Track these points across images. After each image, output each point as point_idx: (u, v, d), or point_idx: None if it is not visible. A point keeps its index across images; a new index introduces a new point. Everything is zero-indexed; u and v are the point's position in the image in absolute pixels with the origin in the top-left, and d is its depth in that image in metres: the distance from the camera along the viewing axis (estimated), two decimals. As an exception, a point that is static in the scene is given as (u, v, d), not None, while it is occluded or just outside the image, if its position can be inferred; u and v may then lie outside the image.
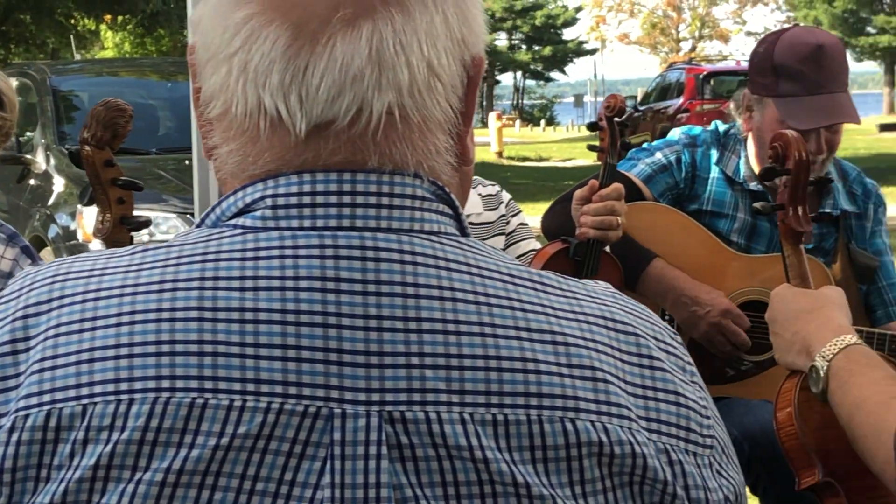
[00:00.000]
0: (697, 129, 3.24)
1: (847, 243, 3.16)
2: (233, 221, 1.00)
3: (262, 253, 0.96)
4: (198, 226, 1.03)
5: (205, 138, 1.05)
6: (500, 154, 27.27)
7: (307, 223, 0.97)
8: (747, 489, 3.04)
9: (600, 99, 43.44)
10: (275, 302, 0.94)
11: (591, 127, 2.93)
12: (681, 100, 21.54)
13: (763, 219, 3.09)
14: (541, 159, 26.54)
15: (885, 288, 3.18)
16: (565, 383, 0.97)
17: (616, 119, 2.87)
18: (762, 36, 3.20)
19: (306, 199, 0.98)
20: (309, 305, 0.94)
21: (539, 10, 57.74)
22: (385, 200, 0.98)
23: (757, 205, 2.42)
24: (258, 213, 0.99)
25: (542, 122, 52.50)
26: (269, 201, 0.98)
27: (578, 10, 59.89)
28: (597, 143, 2.89)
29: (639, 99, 24.94)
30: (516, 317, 0.98)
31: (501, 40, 59.80)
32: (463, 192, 1.12)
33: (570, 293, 1.04)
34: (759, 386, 3.01)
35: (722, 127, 3.23)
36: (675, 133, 3.24)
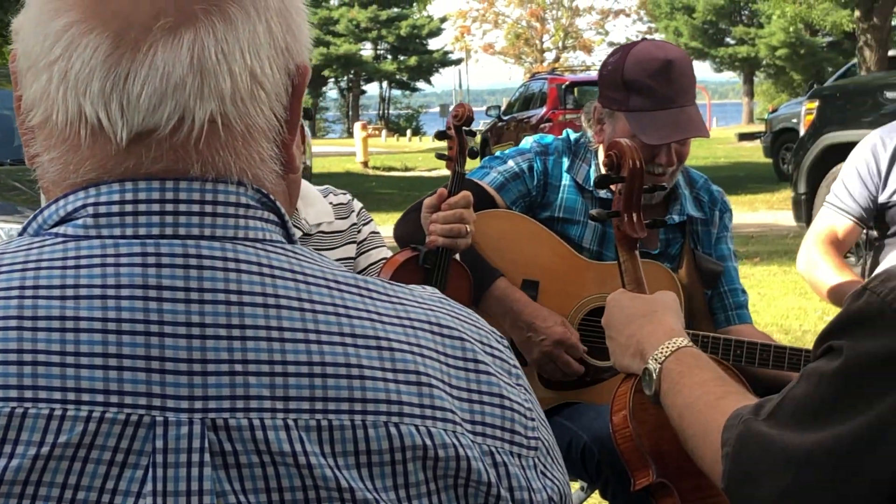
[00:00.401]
0: (549, 138, 3.28)
1: (693, 249, 3.22)
2: (55, 230, 0.99)
3: (84, 261, 0.96)
4: (20, 234, 1.03)
5: (26, 146, 1.05)
6: (365, 164, 27.26)
7: (129, 231, 0.97)
8: (597, 493, 3.08)
9: (466, 109, 43.67)
10: (96, 310, 0.94)
11: (440, 136, 2.95)
12: (544, 109, 21.72)
13: (611, 228, 3.14)
14: (406, 169, 26.59)
15: (727, 293, 3.25)
16: (390, 388, 0.98)
17: (464, 128, 2.89)
18: (612, 49, 3.25)
19: (128, 208, 0.98)
20: (131, 313, 0.94)
21: (404, 20, 57.83)
22: (208, 208, 0.99)
23: (593, 212, 2.45)
24: (80, 222, 0.98)
25: (409, 131, 52.59)
26: (90, 209, 0.98)
27: (443, 20, 60.12)
28: (445, 151, 2.91)
29: (503, 108, 25.10)
30: (341, 323, 0.99)
31: (367, 50, 59.78)
32: (290, 199, 1.12)
33: (397, 299, 1.05)
34: (612, 392, 3.05)
35: (573, 135, 3.27)
36: (528, 141, 3.27)
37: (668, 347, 1.82)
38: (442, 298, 1.11)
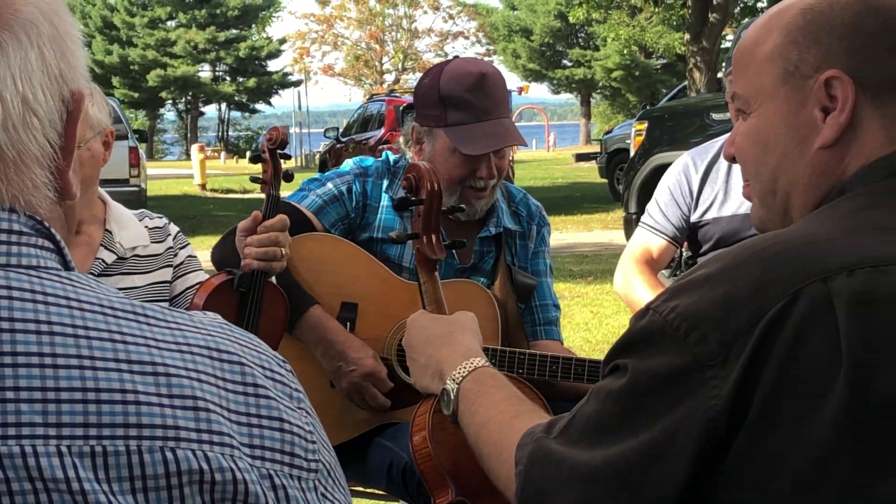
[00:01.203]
0: (369, 160, 3.29)
1: (509, 263, 3.26)
2: None
3: None
4: None
5: None
6: (203, 186, 26.96)
7: None
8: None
9: (305, 130, 43.45)
10: None
11: (254, 159, 2.94)
12: (382, 131, 21.78)
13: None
14: (245, 191, 26.36)
15: (538, 308, 3.31)
16: (166, 413, 0.98)
17: (279, 151, 2.89)
18: (425, 71, 3.29)
19: None
20: None
21: (243, 41, 57.41)
22: None
23: (392, 234, 2.47)
24: None
25: (248, 153, 52.17)
26: None
27: (282, 42, 59.86)
28: (260, 175, 2.91)
29: (341, 130, 25.08)
30: (116, 349, 0.99)
31: (205, 72, 59.19)
32: (68, 225, 1.11)
33: (175, 325, 1.06)
34: None
35: (392, 157, 3.29)
36: (347, 164, 3.28)
37: (465, 368, 1.85)
38: (223, 324, 1.11)
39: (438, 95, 3.07)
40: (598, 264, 11.89)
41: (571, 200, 22.08)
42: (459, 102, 3.05)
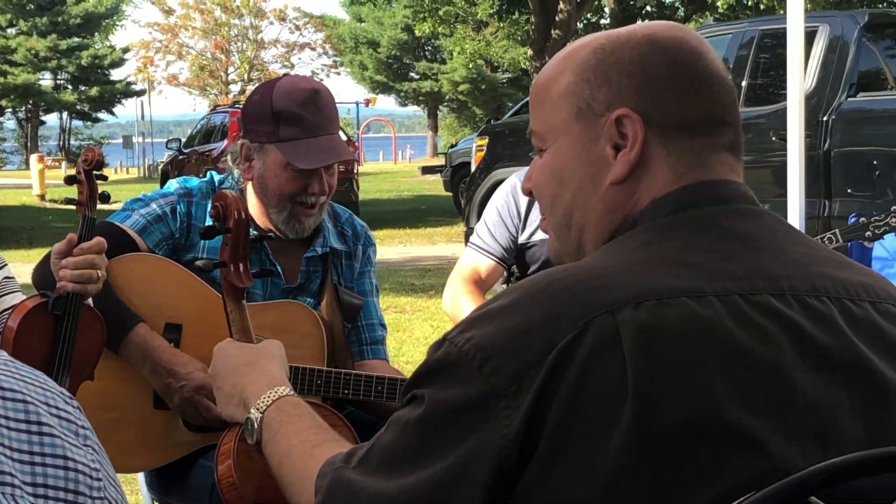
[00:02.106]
0: (194, 181, 3.26)
1: (336, 282, 3.27)
2: None
3: None
4: None
5: None
6: (42, 197, 26.43)
7: None
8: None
9: (149, 140, 42.84)
10: None
11: (69, 181, 2.90)
12: (225, 142, 21.58)
13: (255, 265, 3.16)
14: (86, 202, 25.88)
15: (365, 327, 3.32)
16: None
17: (95, 172, 2.85)
18: (255, 87, 3.28)
19: None
20: None
21: (85, 49, 56.40)
22: None
23: (199, 263, 2.46)
24: None
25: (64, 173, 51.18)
26: None
27: (126, 50, 58.99)
28: (76, 196, 2.86)
29: (184, 141, 24.76)
30: None
31: (46, 80, 58.00)
32: None
33: None
34: None
35: (217, 177, 3.27)
36: (172, 184, 3.25)
37: (269, 397, 1.85)
38: (8, 361, 1.10)
39: (271, 111, 3.06)
40: (441, 278, 11.95)
41: (416, 213, 22.20)
42: (292, 118, 3.05)
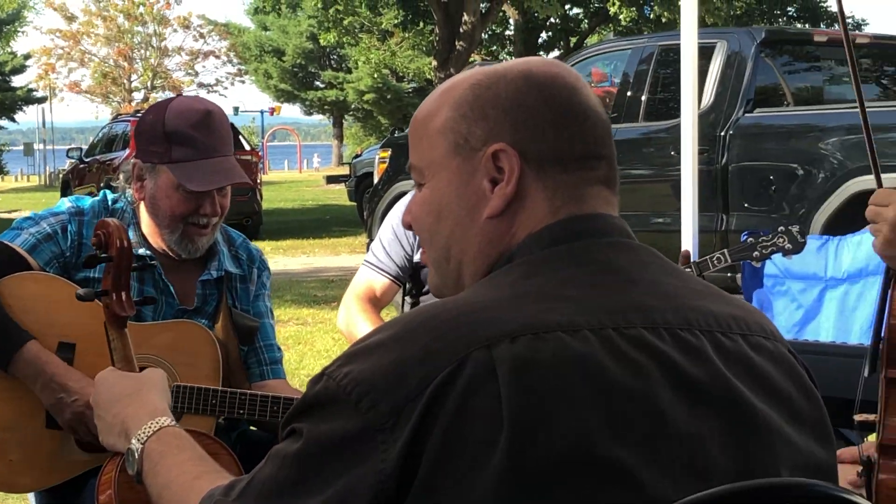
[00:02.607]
0: (86, 200, 3.24)
1: (231, 305, 3.26)
2: None
3: None
4: None
5: None
6: (-61, 207, 25.94)
7: None
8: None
9: (50, 147, 42.24)
10: None
11: None
12: (126, 151, 21.36)
13: (149, 284, 3.15)
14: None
15: (263, 348, 3.32)
16: None
17: None
18: (148, 107, 3.26)
19: None
20: None
21: (-15, 55, 55.50)
22: None
23: (80, 291, 2.45)
24: None
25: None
26: None
27: (27, 57, 58.09)
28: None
29: (85, 150, 24.44)
30: None
31: (-56, 86, 56.94)
32: None
33: None
34: None
35: (111, 196, 3.25)
36: (63, 203, 3.22)
37: (150, 427, 1.84)
38: None
39: (163, 131, 3.05)
40: (344, 290, 11.86)
41: (320, 223, 22.13)
42: (185, 139, 3.04)
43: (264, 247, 17.03)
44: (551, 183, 1.54)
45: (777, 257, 4.00)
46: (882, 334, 2.14)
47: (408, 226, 1.68)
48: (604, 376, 1.38)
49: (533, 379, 1.35)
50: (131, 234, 3.16)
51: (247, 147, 20.52)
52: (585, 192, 1.56)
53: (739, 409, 1.45)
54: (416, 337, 1.40)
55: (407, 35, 33.21)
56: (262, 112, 60.05)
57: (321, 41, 30.65)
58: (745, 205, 8.91)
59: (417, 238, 3.75)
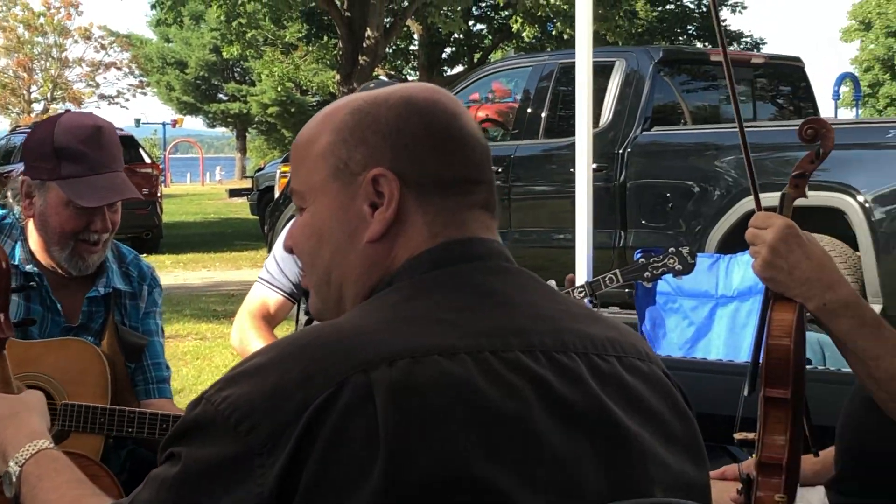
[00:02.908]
0: None
1: (119, 322, 3.23)
2: None
3: None
4: None
5: None
6: None
7: None
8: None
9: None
10: None
11: None
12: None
13: (36, 301, 3.11)
14: None
15: (150, 367, 3.30)
16: None
17: None
18: (36, 123, 3.23)
19: None
20: None
21: None
22: None
23: None
24: None
25: None
26: None
27: (-78, 66, 57.09)
28: None
29: (-19, 162, 24.04)
30: None
31: None
32: None
33: None
34: None
35: (0, 213, 3.21)
36: None
37: (28, 450, 1.82)
38: None
39: (52, 147, 3.03)
40: (244, 304, 11.84)
41: (222, 237, 21.99)
42: (75, 155, 3.02)
43: (164, 260, 16.91)
44: (431, 208, 1.55)
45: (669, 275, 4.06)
46: (761, 354, 2.19)
47: (289, 249, 1.68)
48: (480, 399, 1.40)
49: (410, 402, 1.37)
50: (19, 251, 3.12)
51: (147, 160, 20.35)
52: (465, 217, 1.57)
53: (613, 430, 1.47)
54: (295, 361, 1.41)
55: (311, 49, 33.13)
56: (164, 124, 59.46)
57: (224, 54, 30.39)
58: (643, 222, 9.02)
59: None
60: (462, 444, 1.36)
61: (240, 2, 22.31)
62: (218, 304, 12.12)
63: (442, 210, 1.56)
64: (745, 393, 2.27)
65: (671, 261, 3.94)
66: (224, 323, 10.71)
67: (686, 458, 1.56)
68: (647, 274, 3.96)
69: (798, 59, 11.11)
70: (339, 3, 22.19)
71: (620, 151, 9.15)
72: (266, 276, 3.85)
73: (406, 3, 23.36)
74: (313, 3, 23.92)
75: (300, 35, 32.94)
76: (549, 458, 1.41)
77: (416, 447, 1.35)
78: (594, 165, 8.79)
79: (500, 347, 1.45)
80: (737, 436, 2.41)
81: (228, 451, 1.38)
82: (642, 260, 4.02)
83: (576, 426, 1.45)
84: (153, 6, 25.64)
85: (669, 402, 1.58)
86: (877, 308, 7.64)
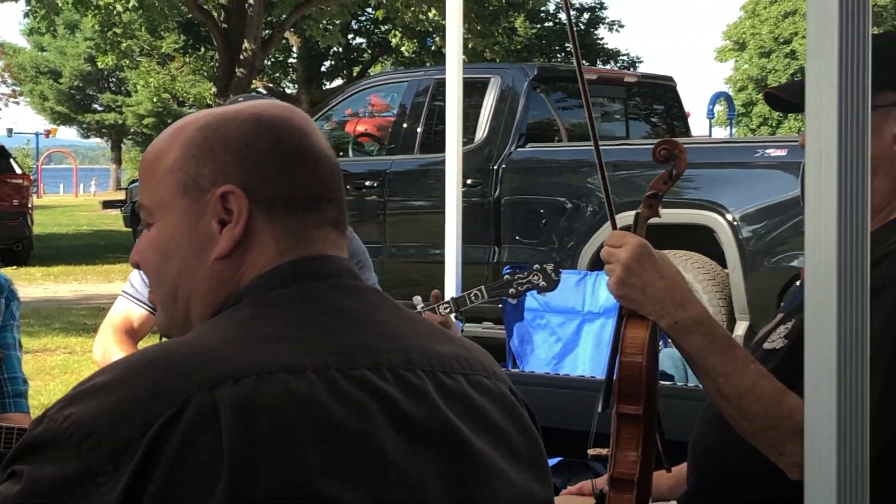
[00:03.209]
0: None
1: None
2: None
3: None
4: None
5: None
6: None
7: None
8: None
9: None
10: None
11: None
12: None
13: None
14: None
15: (6, 381, 3.26)
16: None
17: None
18: None
19: None
20: None
21: None
22: None
23: None
24: None
25: None
26: None
27: None
28: None
29: None
30: None
31: None
32: None
33: None
34: None
35: None
36: None
37: None
38: None
39: None
40: (112, 318, 11.66)
41: (94, 249, 21.67)
42: None
43: (34, 273, 16.61)
44: (280, 225, 1.55)
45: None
46: (615, 371, 2.22)
47: (136, 265, 1.67)
48: (325, 416, 1.40)
49: (254, 420, 1.36)
50: None
51: (18, 170, 19.99)
52: (314, 235, 1.57)
53: (459, 447, 1.49)
54: (140, 379, 1.40)
55: (188, 60, 32.79)
56: (37, 134, 58.46)
57: (99, 63, 29.93)
58: (517, 238, 9.09)
59: None
60: (307, 462, 1.37)
61: (115, 11, 21.98)
62: (88, 318, 11.93)
63: (291, 228, 1.56)
64: (599, 409, 2.30)
65: (535, 277, 3.97)
66: (94, 336, 10.48)
67: (531, 476, 1.57)
68: (511, 290, 3.98)
69: (670, 79, 11.29)
70: (216, 14, 22.02)
71: (495, 167, 9.21)
72: (130, 289, 3.81)
73: (284, 16, 23.24)
74: (190, 15, 23.68)
75: (177, 46, 32.59)
76: (394, 476, 1.42)
77: (260, 465, 1.35)
78: (469, 181, 8.97)
79: (347, 365, 1.45)
80: (590, 451, 2.44)
81: (71, 469, 1.36)
82: (507, 276, 4.05)
83: (422, 443, 1.46)
84: (26, 14, 25.14)
85: (515, 420, 1.59)
86: (744, 325, 7.80)
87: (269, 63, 31.18)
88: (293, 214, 1.56)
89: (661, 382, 3.10)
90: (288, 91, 33.12)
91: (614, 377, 2.22)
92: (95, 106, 53.98)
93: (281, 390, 1.39)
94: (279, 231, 1.55)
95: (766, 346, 2.31)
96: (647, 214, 2.34)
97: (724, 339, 2.19)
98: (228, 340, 1.46)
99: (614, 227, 2.40)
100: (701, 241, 8.15)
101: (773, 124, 49.63)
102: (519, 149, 9.31)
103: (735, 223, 7.86)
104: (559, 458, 3.83)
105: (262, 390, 1.38)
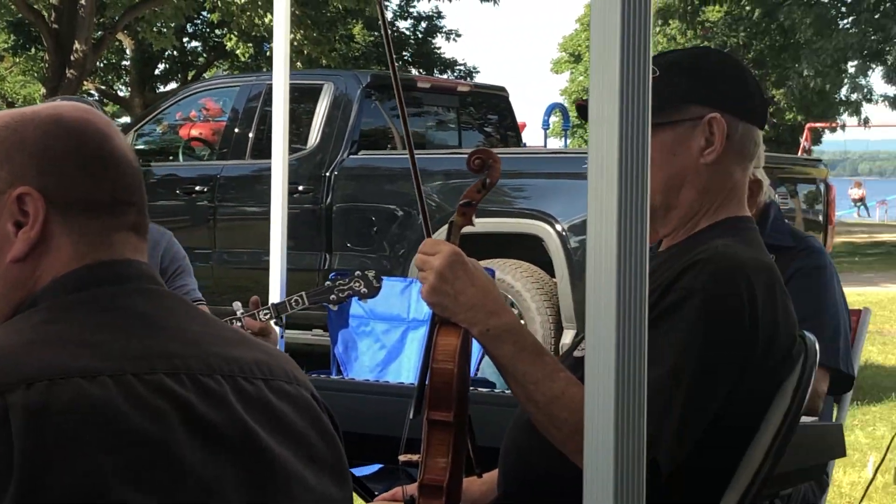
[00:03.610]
0: None
1: None
2: None
3: None
4: None
5: None
6: None
7: None
8: None
9: None
10: None
11: None
12: None
13: None
14: None
15: None
16: None
17: None
18: None
19: None
20: None
21: None
22: None
23: None
24: None
25: None
26: None
27: None
28: None
29: None
30: None
31: None
32: None
33: None
34: None
35: None
36: None
37: None
38: None
39: None
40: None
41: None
42: None
43: None
44: (78, 228, 1.53)
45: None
46: (427, 377, 2.24)
47: None
48: (121, 422, 1.39)
49: (46, 425, 1.35)
50: None
51: None
52: (113, 239, 1.56)
53: (257, 452, 1.49)
54: None
55: (17, 60, 32.03)
56: None
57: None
58: (348, 245, 9.07)
59: None
60: (101, 468, 1.35)
61: (-59, 9, 21.40)
62: None
63: (90, 231, 1.54)
64: (411, 416, 2.31)
65: (357, 284, 3.97)
66: None
67: (330, 480, 1.58)
68: (332, 297, 3.97)
69: (503, 89, 11.39)
70: (46, 14, 21.52)
71: (327, 174, 9.17)
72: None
73: (117, 18, 22.82)
74: (20, 14, 23.12)
75: (7, 46, 31.80)
76: (191, 482, 1.41)
77: (50, 470, 1.33)
78: (301, 187, 8.92)
79: (144, 370, 1.44)
80: (401, 457, 2.45)
81: None
82: (329, 283, 4.03)
83: (219, 449, 1.45)
84: None
85: (315, 425, 1.60)
86: (571, 333, 7.91)
87: (102, 65, 30.66)
88: (93, 218, 1.54)
89: (478, 389, 3.13)
90: (121, 94, 32.58)
91: (426, 384, 2.24)
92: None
93: (75, 395, 1.37)
94: (77, 234, 1.53)
95: (576, 353, 2.35)
96: (461, 223, 2.36)
97: (534, 346, 2.22)
98: (22, 344, 1.44)
99: (428, 234, 2.42)
100: (531, 250, 8.23)
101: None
102: (351, 156, 9.29)
103: (563, 233, 7.97)
104: (380, 466, 3.83)
105: (54, 395, 1.36)
